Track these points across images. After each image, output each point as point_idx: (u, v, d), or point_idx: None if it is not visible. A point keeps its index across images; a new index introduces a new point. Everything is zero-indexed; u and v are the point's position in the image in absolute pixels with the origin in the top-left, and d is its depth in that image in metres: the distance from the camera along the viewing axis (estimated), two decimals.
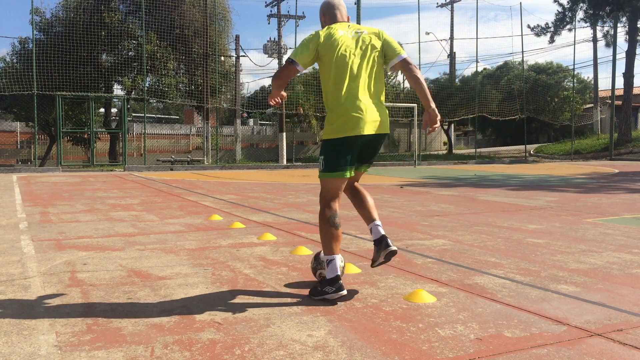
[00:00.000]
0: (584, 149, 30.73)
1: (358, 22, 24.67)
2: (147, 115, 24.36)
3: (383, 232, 3.30)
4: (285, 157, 24.88)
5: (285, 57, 25.77)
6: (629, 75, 29.22)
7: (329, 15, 3.46)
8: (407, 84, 40.56)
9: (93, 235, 5.40)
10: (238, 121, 26.29)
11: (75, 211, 7.30)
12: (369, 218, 3.36)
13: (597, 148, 30.60)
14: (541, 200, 8.65)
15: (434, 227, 5.89)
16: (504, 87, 31.07)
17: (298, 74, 3.26)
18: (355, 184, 3.46)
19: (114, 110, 26.24)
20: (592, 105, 36.65)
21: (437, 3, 37.68)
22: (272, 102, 3.59)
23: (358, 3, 24.46)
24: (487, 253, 4.50)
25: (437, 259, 4.26)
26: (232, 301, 3.15)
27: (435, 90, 30.75)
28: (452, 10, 37.28)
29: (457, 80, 33.72)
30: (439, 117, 3.25)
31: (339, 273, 3.17)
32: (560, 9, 30.16)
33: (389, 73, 34.30)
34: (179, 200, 8.72)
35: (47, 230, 5.68)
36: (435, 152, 36.00)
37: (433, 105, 3.23)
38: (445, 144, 39.05)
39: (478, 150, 29.67)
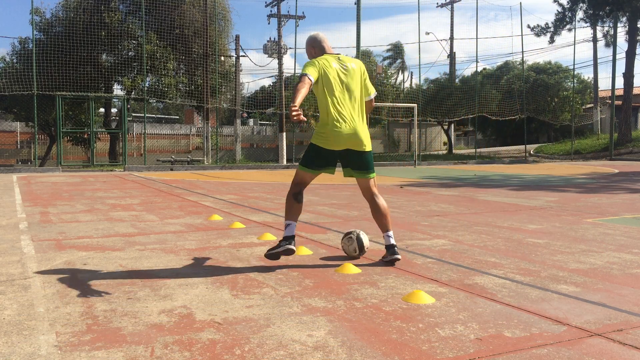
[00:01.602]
0: (584, 149, 30.72)
1: (358, 22, 24.71)
2: (147, 115, 24.36)
3: (392, 242, 4.07)
4: (285, 157, 24.89)
5: (285, 57, 25.81)
6: (629, 75, 29.21)
7: (318, 48, 4.15)
8: (407, 85, 40.56)
9: (93, 235, 5.40)
10: (238, 121, 26.30)
11: (75, 211, 7.30)
12: (382, 228, 4.15)
13: (597, 148, 30.60)
14: (541, 200, 8.65)
15: (434, 227, 5.89)
16: (504, 87, 31.06)
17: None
18: (374, 197, 4.14)
19: (114, 110, 26.23)
20: (592, 105, 36.64)
21: (437, 3, 37.69)
22: (293, 111, 3.69)
23: (358, 3, 24.47)
24: (487, 253, 4.50)
25: (437, 259, 4.26)
26: (232, 301, 3.15)
27: (435, 90, 30.77)
28: (452, 10, 37.28)
29: (457, 80, 33.72)
30: None
31: (294, 234, 4.00)
32: (560, 9, 30.14)
33: (389, 74, 34.29)
34: (179, 200, 8.72)
35: (47, 230, 5.68)
36: (435, 152, 35.99)
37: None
38: (445, 144, 39.05)
39: (478, 150, 29.68)
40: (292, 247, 3.94)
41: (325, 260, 4.25)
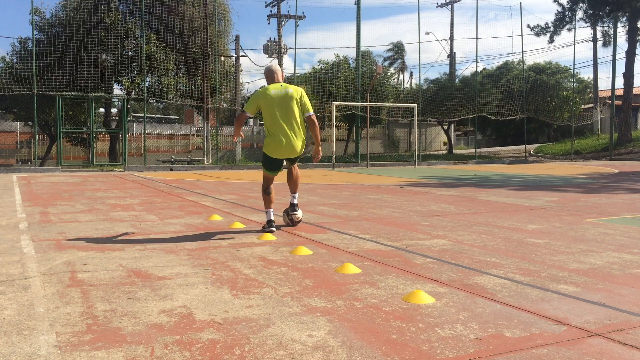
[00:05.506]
0: (583, 149, 30.72)
1: (358, 22, 24.73)
2: (147, 115, 24.35)
3: (295, 202, 5.78)
4: None
5: (285, 57, 25.84)
6: (629, 75, 29.20)
7: (269, 78, 5.61)
8: (407, 85, 40.61)
9: (93, 235, 5.40)
10: None
11: (75, 211, 7.30)
12: (291, 190, 5.77)
13: (597, 148, 30.59)
14: (541, 200, 8.65)
15: (434, 227, 5.89)
16: (504, 87, 31.06)
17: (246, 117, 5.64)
18: (293, 168, 5.75)
19: (113, 110, 26.22)
20: (592, 105, 36.64)
21: (437, 3, 37.75)
22: (235, 139, 5.82)
23: (358, 3, 24.47)
24: (487, 253, 4.50)
25: (437, 259, 4.26)
26: (232, 301, 3.15)
27: (435, 90, 30.75)
28: (452, 10, 37.33)
29: (457, 80, 33.69)
30: (320, 154, 5.71)
31: (272, 218, 5.49)
32: (560, 9, 30.14)
33: (389, 74, 34.29)
34: (179, 200, 8.72)
35: (47, 230, 5.68)
36: (435, 152, 35.97)
37: (320, 146, 5.72)
38: (445, 144, 39.04)
39: (478, 150, 29.65)
40: (273, 229, 5.44)
41: (325, 260, 4.25)
